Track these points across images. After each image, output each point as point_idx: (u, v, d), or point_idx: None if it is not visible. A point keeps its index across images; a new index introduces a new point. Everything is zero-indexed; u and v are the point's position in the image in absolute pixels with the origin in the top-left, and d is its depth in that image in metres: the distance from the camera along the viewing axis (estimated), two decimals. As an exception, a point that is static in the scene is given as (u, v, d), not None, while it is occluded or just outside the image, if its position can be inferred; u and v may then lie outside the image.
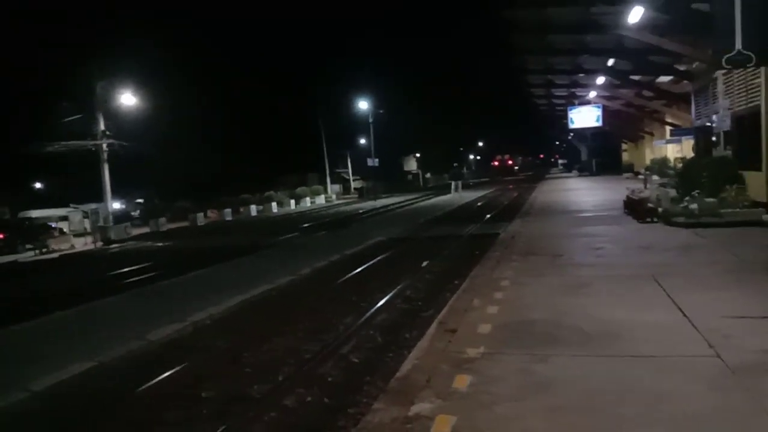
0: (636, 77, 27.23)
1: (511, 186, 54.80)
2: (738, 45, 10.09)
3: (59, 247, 26.85)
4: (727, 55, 10.28)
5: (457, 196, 40.42)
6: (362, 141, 63.67)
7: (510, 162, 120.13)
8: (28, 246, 26.62)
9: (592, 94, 35.49)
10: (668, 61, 21.77)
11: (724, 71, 16.48)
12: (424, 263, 12.80)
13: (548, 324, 5.96)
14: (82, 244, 27.97)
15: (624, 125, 45.81)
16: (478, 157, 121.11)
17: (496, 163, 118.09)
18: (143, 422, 5.49)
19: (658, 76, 25.86)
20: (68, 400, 6.09)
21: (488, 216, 23.57)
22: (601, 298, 6.97)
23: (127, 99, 30.37)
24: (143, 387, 6.21)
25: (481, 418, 3.92)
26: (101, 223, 29.22)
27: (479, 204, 33.07)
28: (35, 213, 33.06)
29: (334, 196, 57.81)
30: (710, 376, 4.31)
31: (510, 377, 4.59)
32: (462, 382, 4.56)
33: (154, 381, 6.33)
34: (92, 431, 5.40)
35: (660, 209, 14.18)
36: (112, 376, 6.70)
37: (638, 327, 5.60)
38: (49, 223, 31.57)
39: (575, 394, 4.19)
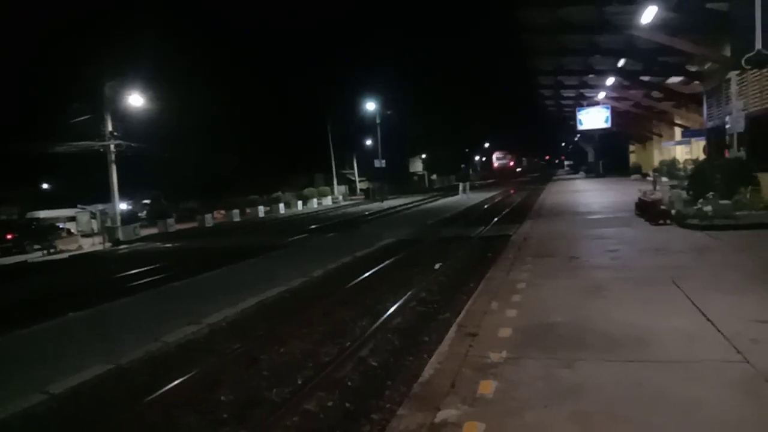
0: (646, 78, 27.13)
1: (516, 189, 54.38)
2: (758, 45, 9.97)
3: (67, 247, 26.98)
4: (747, 56, 10.16)
5: (465, 197, 40.29)
6: (368, 142, 63.63)
7: (512, 163, 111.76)
8: (36, 246, 26.75)
9: (601, 95, 35.36)
10: (679, 62, 21.69)
11: (737, 72, 16.36)
12: (437, 265, 12.74)
13: (570, 328, 5.88)
14: (90, 245, 28.05)
15: (632, 126, 45.67)
16: (483, 159, 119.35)
17: (495, 165, 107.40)
18: (162, 426, 5.46)
19: (668, 76, 25.75)
20: (89, 403, 6.05)
21: (498, 218, 23.49)
22: (621, 301, 6.88)
23: (135, 100, 30.42)
24: (162, 390, 6.15)
25: (511, 426, 3.85)
26: (109, 223, 29.30)
27: (487, 206, 32.95)
28: (43, 213, 33.14)
29: (340, 197, 57.80)
30: (742, 383, 4.23)
31: (536, 383, 4.52)
32: (487, 387, 4.49)
33: (173, 384, 6.28)
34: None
35: (673, 211, 14.06)
36: (131, 379, 6.66)
37: (662, 331, 5.52)
38: (57, 224, 31.70)
39: (605, 400, 4.12)
